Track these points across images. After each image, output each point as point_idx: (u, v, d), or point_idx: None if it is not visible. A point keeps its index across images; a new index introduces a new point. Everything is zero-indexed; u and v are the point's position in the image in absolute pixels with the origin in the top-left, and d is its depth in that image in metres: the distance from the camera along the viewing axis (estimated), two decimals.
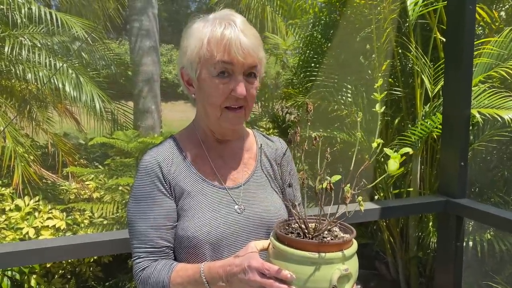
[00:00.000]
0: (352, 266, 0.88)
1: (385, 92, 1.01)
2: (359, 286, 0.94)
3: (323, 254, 0.84)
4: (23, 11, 4.87)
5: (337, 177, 0.92)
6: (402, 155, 0.89)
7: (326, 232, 0.92)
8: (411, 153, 3.42)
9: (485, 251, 3.40)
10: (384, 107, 0.97)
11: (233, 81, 1.07)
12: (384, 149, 0.90)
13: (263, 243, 0.96)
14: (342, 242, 0.87)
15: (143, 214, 1.09)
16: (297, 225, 0.94)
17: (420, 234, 3.74)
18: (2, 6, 4.82)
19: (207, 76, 1.07)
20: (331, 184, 0.90)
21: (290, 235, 0.92)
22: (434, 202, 1.99)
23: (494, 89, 3.11)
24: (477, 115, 2.92)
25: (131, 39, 7.77)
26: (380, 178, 1.03)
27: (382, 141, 0.94)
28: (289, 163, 1.30)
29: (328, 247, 0.85)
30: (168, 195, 1.11)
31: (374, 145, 0.93)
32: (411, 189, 3.61)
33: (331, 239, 0.89)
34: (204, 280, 0.98)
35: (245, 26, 1.08)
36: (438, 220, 2.34)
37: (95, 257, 3.82)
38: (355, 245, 0.91)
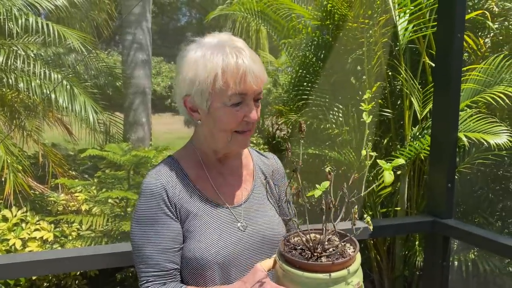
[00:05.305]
0: (360, 277, 0.94)
1: (373, 103, 1.07)
2: None
3: (334, 274, 0.88)
4: (19, 21, 4.88)
5: (326, 184, 0.94)
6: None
7: (326, 243, 0.96)
8: (399, 173, 3.50)
9: (469, 271, 3.46)
10: (370, 119, 1.01)
11: (246, 107, 1.10)
12: (378, 160, 0.94)
13: (269, 263, 0.98)
14: (349, 259, 0.91)
15: (149, 238, 1.09)
16: (296, 239, 0.98)
17: (406, 253, 3.79)
18: None
19: (221, 106, 1.09)
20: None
21: (294, 251, 0.95)
22: (422, 222, 2.03)
23: (480, 114, 3.21)
24: (464, 139, 3.00)
25: (123, 52, 7.79)
26: (370, 189, 1.07)
27: (374, 153, 0.97)
28: (284, 179, 1.33)
29: (338, 266, 0.89)
30: (174, 218, 1.11)
31: (363, 152, 0.96)
32: (398, 208, 3.67)
33: (333, 250, 0.93)
34: None
35: (250, 52, 1.12)
36: (425, 240, 2.38)
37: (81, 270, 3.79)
38: (359, 257, 0.96)
